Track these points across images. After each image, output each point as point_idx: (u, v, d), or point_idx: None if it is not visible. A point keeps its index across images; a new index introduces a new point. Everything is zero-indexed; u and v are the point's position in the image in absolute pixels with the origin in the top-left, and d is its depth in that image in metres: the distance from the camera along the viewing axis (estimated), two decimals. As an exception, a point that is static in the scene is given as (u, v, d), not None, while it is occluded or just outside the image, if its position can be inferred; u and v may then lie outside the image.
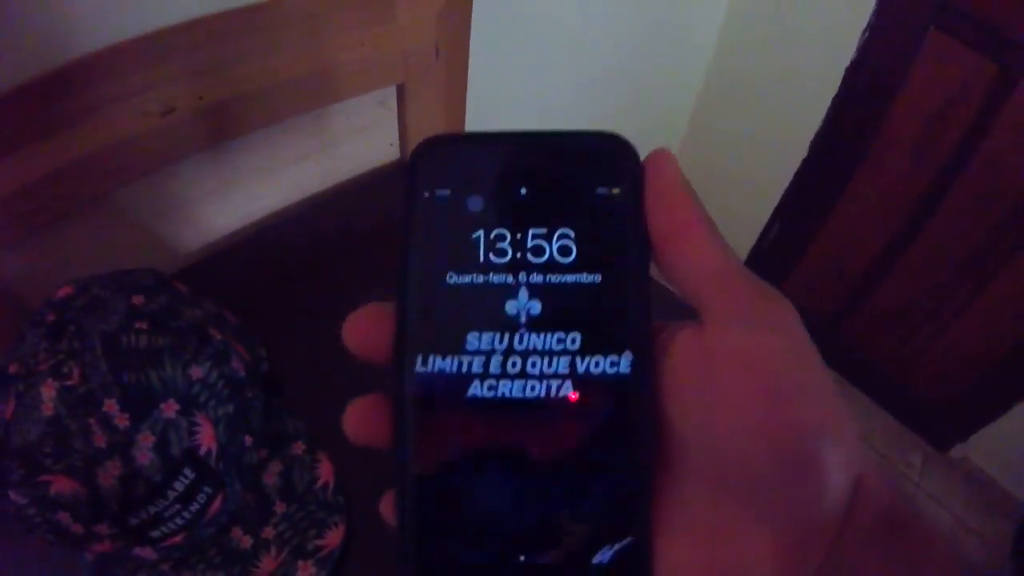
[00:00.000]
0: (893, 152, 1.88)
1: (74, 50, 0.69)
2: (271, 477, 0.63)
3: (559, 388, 0.28)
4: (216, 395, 0.55)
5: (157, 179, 0.86)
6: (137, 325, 0.53)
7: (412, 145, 1.13)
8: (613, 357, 0.28)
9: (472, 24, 1.10)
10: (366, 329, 0.31)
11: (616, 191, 0.30)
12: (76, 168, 0.73)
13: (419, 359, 0.29)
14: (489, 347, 0.29)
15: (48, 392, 0.49)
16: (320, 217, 1.06)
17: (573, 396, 0.28)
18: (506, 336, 0.29)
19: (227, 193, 0.98)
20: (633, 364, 0.28)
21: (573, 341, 0.29)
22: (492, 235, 0.29)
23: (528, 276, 0.29)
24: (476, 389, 0.28)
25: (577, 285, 0.29)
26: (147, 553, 0.56)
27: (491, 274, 0.29)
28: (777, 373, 0.25)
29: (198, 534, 0.57)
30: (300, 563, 0.60)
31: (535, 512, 0.28)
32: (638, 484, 0.28)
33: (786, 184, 2.13)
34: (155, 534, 0.53)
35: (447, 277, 0.29)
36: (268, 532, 0.61)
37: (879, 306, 2.16)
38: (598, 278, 0.29)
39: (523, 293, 0.29)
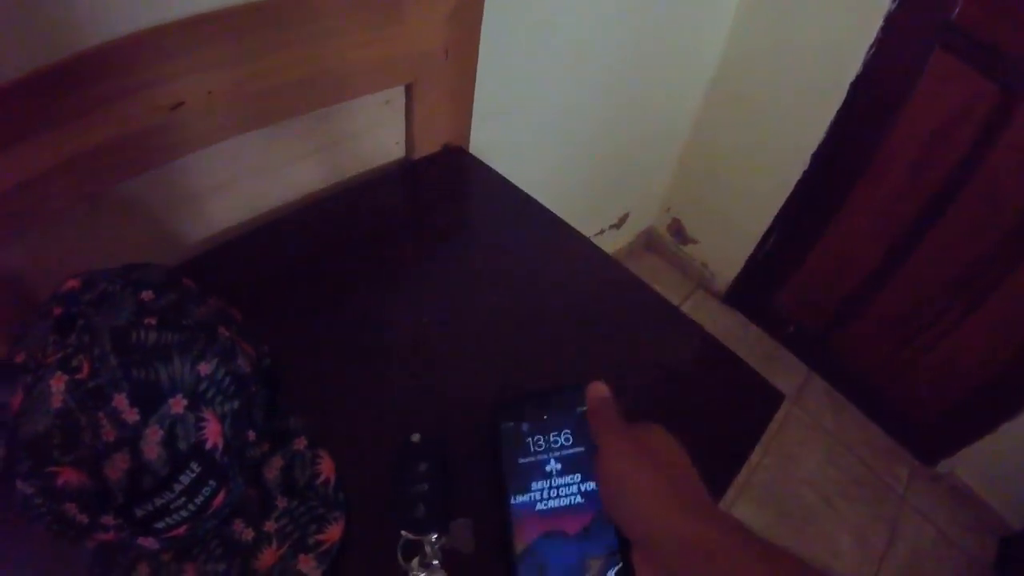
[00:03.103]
0: (893, 168, 1.90)
1: (85, 40, 0.70)
2: (272, 472, 0.64)
3: (574, 498, 0.61)
4: (223, 391, 0.55)
5: (164, 172, 0.86)
6: (146, 321, 0.53)
7: (417, 145, 1.14)
8: (593, 482, 0.61)
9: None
10: None
11: (583, 409, 0.65)
12: (84, 160, 0.74)
13: (512, 496, 0.63)
14: (541, 487, 0.62)
15: (57, 385, 0.49)
16: (324, 214, 1.06)
17: (581, 500, 0.61)
18: (548, 481, 0.62)
19: (233, 188, 0.99)
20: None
21: (575, 478, 0.62)
22: (535, 438, 0.65)
23: (552, 454, 0.64)
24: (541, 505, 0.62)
25: (575, 453, 0.63)
26: (149, 543, 0.56)
27: (537, 455, 0.64)
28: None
29: (201, 526, 0.58)
30: (301, 556, 0.61)
31: (576, 558, 0.58)
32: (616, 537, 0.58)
33: (785, 196, 2.14)
34: (159, 525, 0.54)
35: (519, 459, 0.64)
36: (269, 526, 0.62)
37: (872, 320, 2.18)
38: (583, 448, 0.63)
39: (552, 462, 0.63)
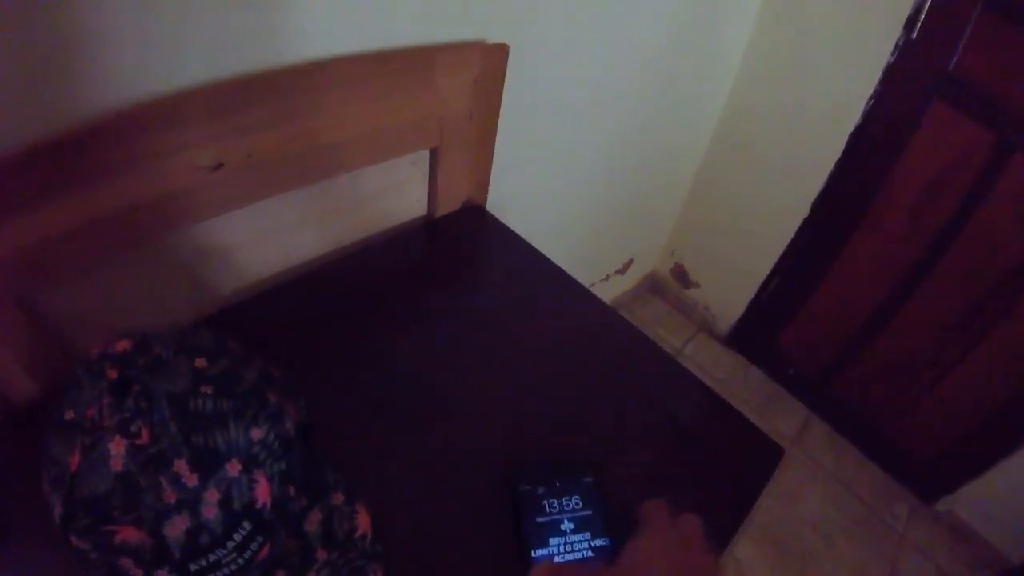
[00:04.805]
0: (892, 215, 1.94)
1: (128, 97, 0.73)
2: (312, 525, 0.67)
3: (586, 552, 0.72)
4: (272, 454, 0.59)
5: (200, 225, 0.90)
6: (203, 389, 0.57)
7: (439, 203, 1.19)
8: (602, 539, 0.73)
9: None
10: None
11: (590, 479, 0.78)
12: (124, 215, 0.77)
13: (533, 550, 0.71)
14: (558, 543, 0.72)
15: (117, 448, 0.52)
16: (351, 269, 1.10)
17: (592, 553, 0.72)
18: (563, 537, 0.72)
19: (266, 242, 1.02)
20: (609, 541, 0.73)
21: (585, 536, 0.73)
22: (550, 502, 0.75)
23: (565, 515, 0.74)
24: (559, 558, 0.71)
25: (585, 515, 0.74)
26: (197, 592, 0.59)
27: (552, 515, 0.74)
28: None
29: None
30: (342, 606, 0.64)
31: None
32: None
33: (787, 241, 2.20)
34: (209, 578, 0.57)
35: (537, 518, 0.73)
36: (311, 576, 0.65)
37: (871, 361, 2.21)
38: (590, 511, 0.75)
39: (567, 522, 0.74)
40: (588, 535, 0.73)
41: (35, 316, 0.78)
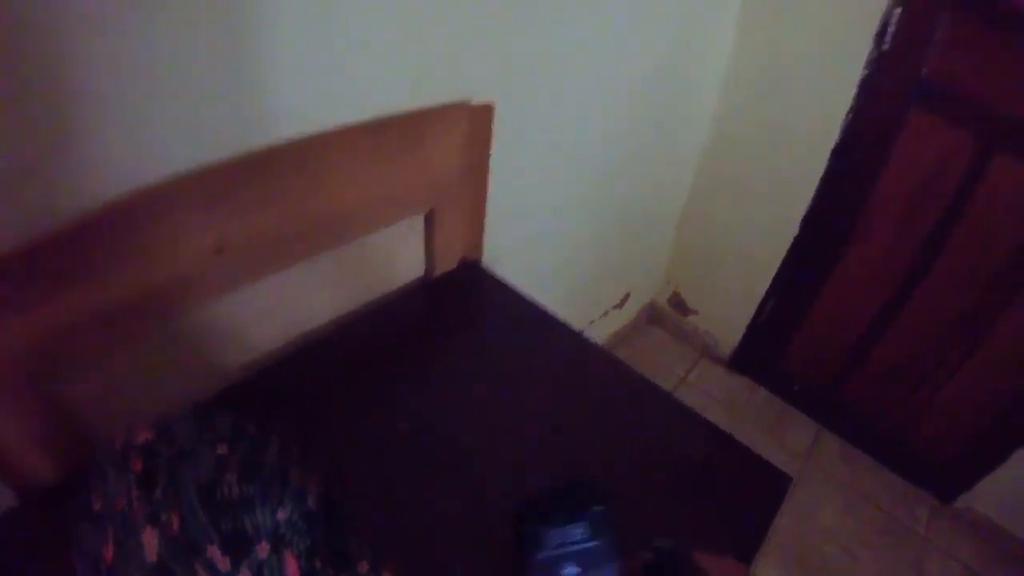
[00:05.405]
0: (880, 225, 1.97)
1: (121, 189, 0.75)
2: (340, 597, 0.69)
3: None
4: (298, 531, 0.61)
5: (207, 304, 0.92)
6: (227, 476, 0.59)
7: (437, 262, 1.22)
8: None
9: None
10: None
11: (600, 508, 0.73)
12: (130, 302, 0.80)
13: None
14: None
15: (150, 540, 0.54)
16: (354, 335, 1.13)
17: None
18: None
19: (271, 316, 1.04)
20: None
21: None
22: (555, 533, 0.71)
23: (567, 548, 0.70)
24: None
25: (590, 548, 0.70)
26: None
27: (556, 549, 0.70)
28: None
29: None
30: (376, 674, 0.65)
31: None
32: None
33: (779, 261, 2.23)
34: (244, 654, 0.59)
35: (538, 555, 0.70)
36: (341, 647, 0.66)
37: (876, 369, 2.22)
38: (596, 542, 0.71)
39: (573, 565, 0.70)
40: None
41: (51, 399, 0.80)
